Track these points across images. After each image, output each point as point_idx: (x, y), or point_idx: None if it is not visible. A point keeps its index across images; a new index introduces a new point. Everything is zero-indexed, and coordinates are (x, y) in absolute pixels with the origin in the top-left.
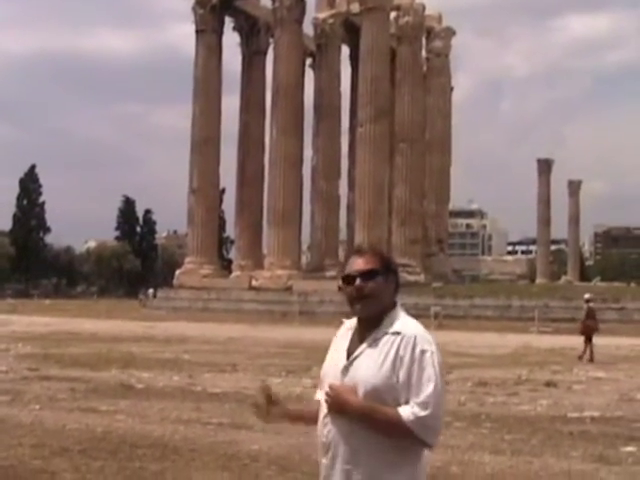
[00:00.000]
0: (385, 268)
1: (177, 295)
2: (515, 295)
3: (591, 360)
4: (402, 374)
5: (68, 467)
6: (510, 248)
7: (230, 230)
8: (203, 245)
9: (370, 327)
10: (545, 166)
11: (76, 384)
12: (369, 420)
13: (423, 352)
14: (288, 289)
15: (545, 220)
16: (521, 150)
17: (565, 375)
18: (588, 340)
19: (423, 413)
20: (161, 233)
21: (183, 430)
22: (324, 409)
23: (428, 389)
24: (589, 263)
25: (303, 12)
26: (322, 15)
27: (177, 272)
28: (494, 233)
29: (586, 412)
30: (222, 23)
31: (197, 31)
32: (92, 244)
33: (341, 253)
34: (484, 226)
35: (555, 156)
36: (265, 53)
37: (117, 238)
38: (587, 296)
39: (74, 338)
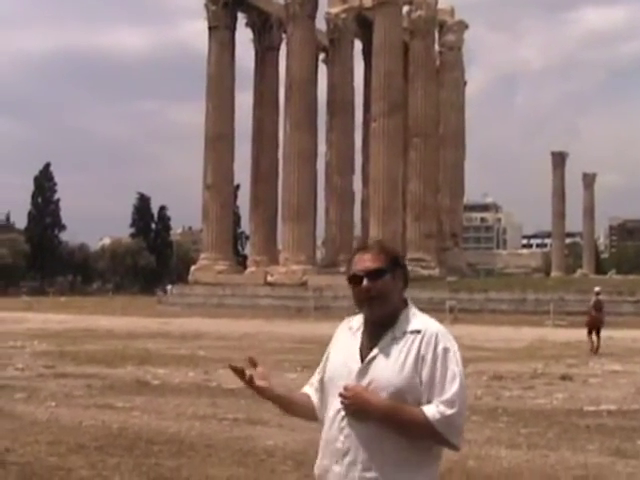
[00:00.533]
0: (392, 265)
1: (192, 291)
2: (530, 289)
3: (596, 352)
4: (425, 373)
5: (84, 464)
6: (525, 241)
7: (245, 226)
8: (218, 241)
9: (383, 327)
10: (559, 159)
11: (92, 381)
12: (393, 421)
13: (446, 350)
14: (303, 284)
15: (560, 213)
16: (535, 143)
17: (581, 368)
18: (596, 333)
19: (450, 411)
20: (176, 229)
21: (199, 426)
22: (334, 411)
23: (453, 387)
24: (604, 256)
25: (315, 7)
26: (334, 10)
27: (192, 268)
28: (509, 227)
29: (602, 405)
30: (235, 19)
31: (210, 27)
32: (107, 241)
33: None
34: (499, 220)
35: (570, 149)
36: (278, 49)
37: (132, 235)
38: (597, 289)
39: (90, 335)
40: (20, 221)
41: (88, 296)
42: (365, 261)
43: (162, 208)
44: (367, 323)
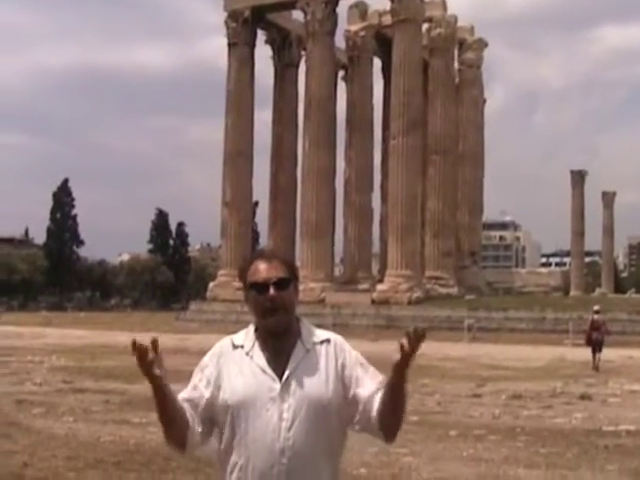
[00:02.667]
0: (293, 275)
1: (210, 308)
2: (549, 307)
3: (596, 369)
4: (347, 375)
5: (102, 479)
6: (544, 260)
7: (263, 243)
8: (236, 258)
9: (287, 339)
10: (579, 177)
11: (110, 396)
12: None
13: (357, 355)
14: (321, 302)
15: (579, 232)
16: (555, 162)
17: (600, 388)
18: (596, 350)
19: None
20: (194, 246)
21: None
22: (263, 432)
23: (381, 376)
24: (624, 275)
25: (335, 25)
26: (354, 28)
27: (210, 285)
28: (528, 245)
29: (621, 425)
30: (254, 36)
31: (229, 44)
32: (126, 257)
33: (374, 266)
34: (517, 238)
35: (589, 167)
36: (297, 66)
37: (150, 251)
38: (596, 307)
39: (108, 351)
40: (39, 236)
41: (106, 312)
42: (271, 269)
43: (180, 224)
44: (267, 337)
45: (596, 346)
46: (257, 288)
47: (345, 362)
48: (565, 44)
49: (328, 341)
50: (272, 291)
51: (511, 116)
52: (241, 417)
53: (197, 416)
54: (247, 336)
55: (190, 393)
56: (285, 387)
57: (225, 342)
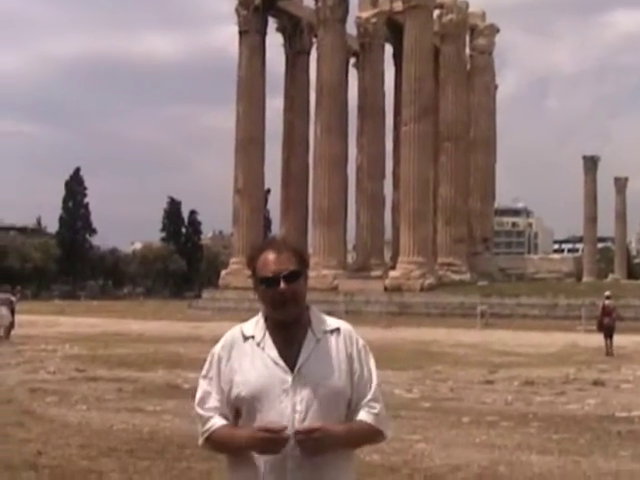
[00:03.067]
0: (303, 266)
1: (223, 295)
2: (562, 294)
3: (608, 354)
4: (355, 371)
5: (115, 467)
6: (556, 246)
7: (275, 230)
8: (249, 245)
9: (298, 328)
10: (591, 163)
11: (123, 384)
12: (352, 443)
13: (364, 345)
14: (334, 289)
15: (591, 218)
16: (567, 148)
17: (613, 374)
18: (608, 336)
19: (378, 407)
20: (206, 234)
21: None
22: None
23: (374, 383)
24: (636, 261)
25: (346, 12)
26: (365, 14)
27: (223, 272)
28: (540, 231)
29: (634, 411)
30: (265, 24)
31: (240, 32)
32: (138, 245)
33: (386, 253)
34: (530, 224)
35: (602, 153)
36: (308, 53)
37: (163, 239)
38: (607, 293)
39: (121, 339)
40: (51, 225)
41: (119, 300)
42: (281, 262)
43: (192, 212)
44: (278, 327)
45: (608, 332)
46: (267, 282)
47: (353, 354)
48: (578, 29)
49: (338, 330)
50: (283, 285)
51: (523, 102)
52: (256, 409)
53: (231, 417)
54: (257, 326)
55: (217, 401)
56: (297, 378)
57: (235, 332)
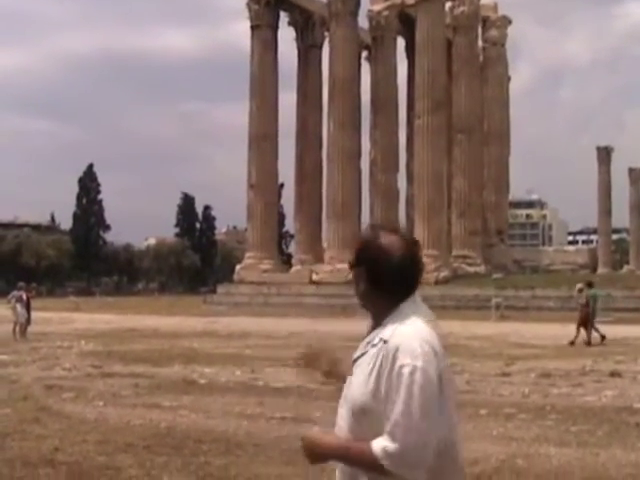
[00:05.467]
0: (356, 260)
1: (237, 290)
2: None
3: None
4: (380, 393)
5: (133, 463)
6: (571, 238)
7: (290, 225)
8: (263, 240)
9: (375, 332)
10: (605, 154)
11: (139, 380)
12: (344, 461)
13: (402, 367)
14: (348, 283)
15: (606, 209)
16: (581, 139)
17: (629, 365)
18: (583, 326)
19: (391, 446)
20: (220, 229)
21: (246, 425)
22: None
23: (395, 415)
24: None
25: (358, 5)
26: (377, 7)
27: (237, 267)
28: (554, 223)
29: None
30: (277, 18)
31: (252, 27)
32: (152, 241)
33: None
34: (544, 216)
35: (616, 144)
36: (321, 47)
37: (177, 235)
38: (579, 285)
39: (136, 335)
40: (65, 222)
41: (133, 296)
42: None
43: (206, 208)
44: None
45: (590, 323)
46: None
47: (383, 374)
48: (591, 20)
49: (385, 341)
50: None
51: (537, 93)
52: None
53: None
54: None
55: None
56: (346, 387)
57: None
